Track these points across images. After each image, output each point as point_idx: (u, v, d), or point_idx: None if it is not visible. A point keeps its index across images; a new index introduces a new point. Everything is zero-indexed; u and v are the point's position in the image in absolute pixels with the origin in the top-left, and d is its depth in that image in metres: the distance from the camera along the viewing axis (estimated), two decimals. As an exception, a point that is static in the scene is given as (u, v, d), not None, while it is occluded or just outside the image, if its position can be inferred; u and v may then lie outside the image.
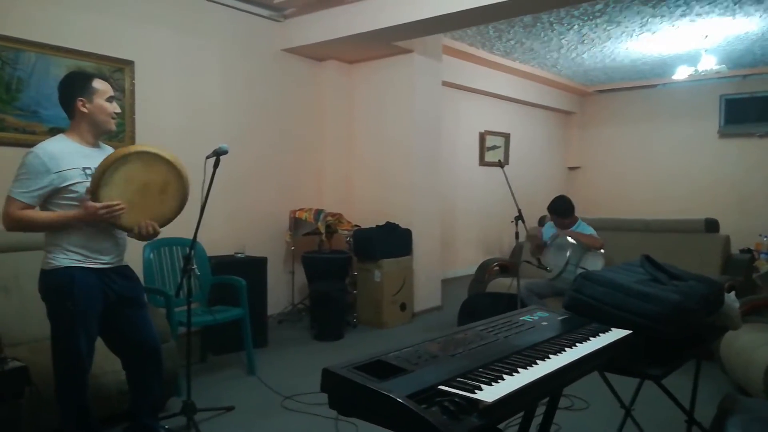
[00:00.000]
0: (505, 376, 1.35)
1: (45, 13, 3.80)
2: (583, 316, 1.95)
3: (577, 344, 1.67)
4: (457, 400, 1.20)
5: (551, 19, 5.88)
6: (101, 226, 2.37)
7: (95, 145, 2.47)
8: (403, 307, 5.32)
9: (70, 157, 2.33)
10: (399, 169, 5.65)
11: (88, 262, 2.35)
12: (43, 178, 2.26)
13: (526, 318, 1.90)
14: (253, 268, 4.50)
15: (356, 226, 5.56)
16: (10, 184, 2.30)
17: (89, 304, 2.34)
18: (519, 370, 1.40)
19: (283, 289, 5.46)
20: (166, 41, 4.51)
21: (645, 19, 5.87)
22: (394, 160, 5.68)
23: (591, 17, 5.78)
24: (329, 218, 5.39)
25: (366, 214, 5.74)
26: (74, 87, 2.41)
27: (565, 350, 1.60)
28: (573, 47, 6.99)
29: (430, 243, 5.79)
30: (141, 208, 2.38)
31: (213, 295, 4.05)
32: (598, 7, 5.45)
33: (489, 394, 1.24)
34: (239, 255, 4.60)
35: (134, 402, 2.65)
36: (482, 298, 4.70)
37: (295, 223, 5.38)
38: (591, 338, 1.75)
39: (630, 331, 1.82)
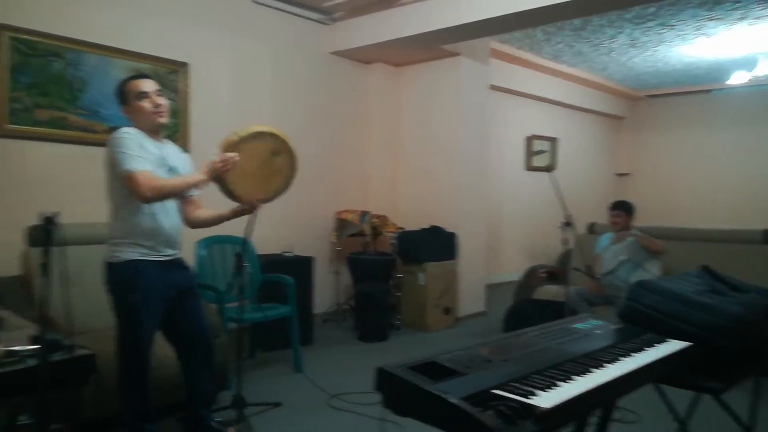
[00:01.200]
0: (559, 382, 1.35)
1: (106, 16, 3.97)
2: (638, 326, 1.92)
3: (632, 354, 1.65)
4: (512, 404, 1.21)
5: (602, 22, 5.77)
6: (166, 221, 2.47)
7: (158, 139, 2.55)
8: (447, 311, 5.31)
9: (149, 143, 2.44)
10: (445, 172, 5.64)
11: (151, 255, 2.44)
12: (142, 152, 2.36)
13: (579, 326, 1.88)
14: (300, 267, 4.58)
15: (401, 228, 5.58)
16: (120, 168, 2.32)
17: (153, 296, 2.43)
18: (574, 377, 1.40)
19: (327, 288, 5.53)
20: (219, 44, 4.64)
21: (700, 23, 5.70)
22: (439, 163, 5.68)
23: (643, 20, 5.65)
24: (374, 220, 5.44)
25: (411, 217, 5.75)
26: (116, 97, 2.56)
27: (620, 360, 1.58)
28: (624, 51, 6.84)
29: (475, 247, 5.76)
30: (254, 181, 2.57)
31: (261, 292, 4.14)
32: (651, 10, 5.32)
33: (545, 400, 1.24)
34: (287, 254, 4.69)
35: (188, 392, 2.73)
36: (529, 305, 4.65)
37: (341, 224, 5.45)
38: (647, 348, 1.72)
39: (689, 343, 1.78)
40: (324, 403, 3.36)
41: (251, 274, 3.62)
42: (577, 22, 5.71)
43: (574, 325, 1.88)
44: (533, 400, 1.23)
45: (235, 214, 2.67)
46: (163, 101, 2.52)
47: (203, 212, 2.73)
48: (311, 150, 5.34)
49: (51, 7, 3.71)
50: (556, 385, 1.33)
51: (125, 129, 2.41)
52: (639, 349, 1.70)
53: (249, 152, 2.50)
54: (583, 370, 1.44)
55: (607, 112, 9.36)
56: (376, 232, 5.45)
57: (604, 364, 1.51)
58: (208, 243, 3.96)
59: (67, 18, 3.78)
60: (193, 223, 2.73)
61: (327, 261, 5.55)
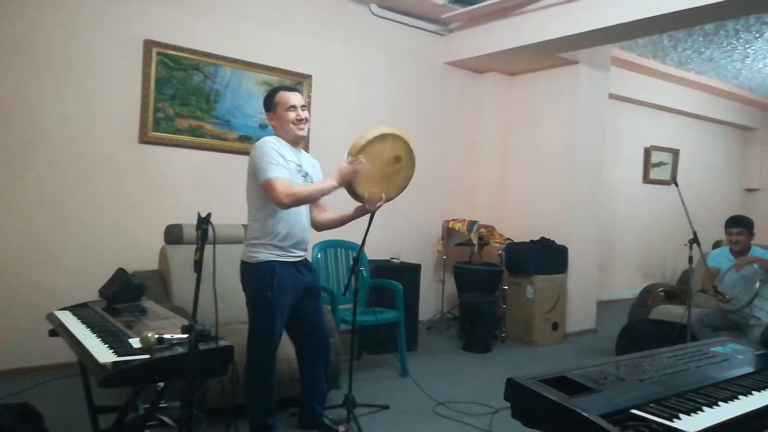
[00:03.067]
0: (704, 407, 1.28)
1: (240, 32, 4.27)
2: (786, 354, 1.77)
3: (782, 383, 1.53)
4: (654, 426, 1.17)
5: (737, 27, 5.37)
6: (298, 224, 2.63)
7: (299, 150, 2.73)
8: (555, 326, 5.16)
9: (288, 154, 2.59)
10: (556, 184, 5.49)
11: (284, 257, 2.60)
12: (282, 161, 2.53)
13: (718, 349, 1.77)
14: (407, 273, 4.63)
15: (509, 239, 5.49)
16: (261, 175, 2.51)
17: (285, 294, 2.58)
18: (720, 403, 1.32)
19: (432, 296, 5.55)
20: (340, 55, 4.85)
21: None
22: (551, 173, 5.53)
23: (787, 23, 5.20)
24: (482, 230, 5.39)
25: (519, 229, 5.65)
26: (265, 104, 2.73)
27: (769, 389, 1.47)
28: (761, 57, 6.31)
29: (587, 262, 5.55)
30: (377, 181, 2.64)
31: (369, 296, 4.23)
32: (797, 12, 4.88)
33: (690, 424, 1.19)
34: (395, 260, 4.77)
35: (304, 389, 2.86)
36: (645, 325, 4.39)
37: (448, 232, 5.45)
38: (798, 379, 1.58)
39: None
40: (430, 410, 3.38)
41: (363, 278, 3.72)
42: (708, 27, 5.35)
43: (713, 349, 1.77)
44: (677, 424, 1.18)
45: (358, 214, 2.74)
46: (306, 115, 2.69)
47: (329, 214, 2.85)
48: (422, 158, 5.30)
49: (192, 24, 4.06)
50: (701, 410, 1.26)
51: (268, 138, 2.59)
52: (789, 380, 1.57)
53: (373, 154, 2.57)
54: (729, 396, 1.36)
55: (737, 122, 8.66)
56: (483, 242, 5.41)
57: (753, 392, 1.42)
58: (324, 246, 4.12)
59: (206, 34, 4.12)
60: (321, 226, 2.85)
61: (432, 269, 5.58)
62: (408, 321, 4.26)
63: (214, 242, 1.80)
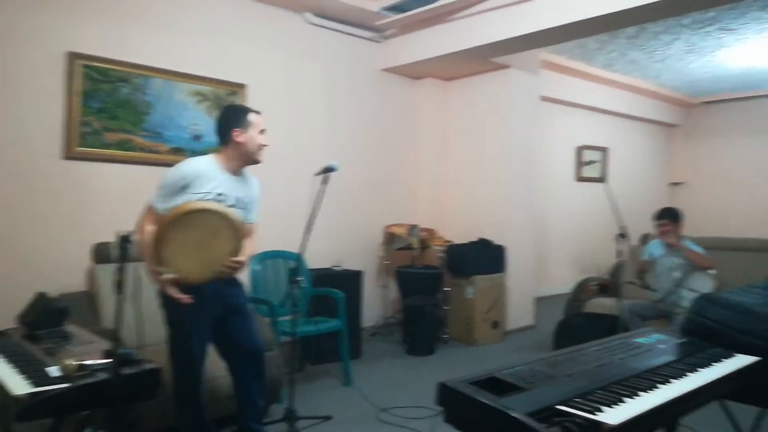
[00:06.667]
0: (626, 398, 1.32)
1: (170, 42, 4.14)
2: (704, 340, 1.86)
3: (699, 369, 1.60)
4: (578, 420, 1.19)
5: (657, 29, 5.64)
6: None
7: (237, 173, 2.65)
8: (495, 324, 5.25)
9: (211, 180, 2.51)
10: (493, 185, 5.60)
11: None
12: (178, 195, 2.45)
13: (642, 340, 1.84)
14: (350, 281, 4.60)
15: (449, 241, 5.56)
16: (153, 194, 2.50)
17: (202, 311, 2.50)
18: (640, 393, 1.37)
19: (376, 302, 5.55)
20: (275, 64, 4.78)
21: (762, 26, 5.50)
22: (488, 175, 5.65)
23: (701, 25, 5.49)
24: (422, 234, 5.44)
25: (459, 230, 5.73)
26: (232, 118, 2.63)
27: (687, 375, 1.54)
28: (679, 57, 6.66)
29: (524, 260, 5.68)
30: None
31: (311, 306, 4.18)
32: (710, 14, 5.17)
33: (612, 416, 1.22)
34: (336, 268, 4.74)
35: (239, 406, 2.78)
36: (580, 319, 4.54)
37: (389, 238, 5.47)
38: (714, 364, 1.67)
39: (757, 358, 1.72)
40: (374, 417, 3.36)
41: (303, 288, 3.67)
42: (631, 30, 5.60)
43: (636, 340, 1.84)
44: (600, 417, 1.21)
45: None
46: (267, 142, 2.68)
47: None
48: (361, 165, 5.41)
49: (119, 35, 3.91)
50: (622, 401, 1.30)
51: (196, 161, 2.54)
52: (706, 365, 1.65)
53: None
54: (649, 386, 1.41)
55: (661, 120, 9.11)
56: (424, 245, 5.45)
57: (671, 380, 1.48)
58: (263, 258, 4.05)
59: (135, 45, 3.97)
60: None
61: (375, 275, 5.58)
62: (351, 328, 4.23)
63: (135, 261, 1.72)
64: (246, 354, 2.71)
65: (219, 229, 2.43)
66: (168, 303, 2.50)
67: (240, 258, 2.51)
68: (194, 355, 2.52)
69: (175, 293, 2.37)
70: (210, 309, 2.55)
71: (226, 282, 2.63)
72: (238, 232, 2.48)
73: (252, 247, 2.69)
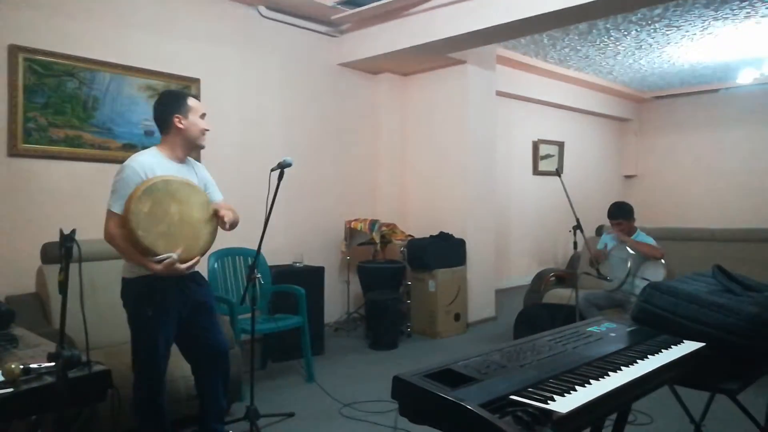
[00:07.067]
0: (577, 387, 1.35)
1: (119, 35, 4.02)
2: (653, 328, 1.91)
3: (648, 356, 1.65)
4: (530, 410, 1.21)
5: (607, 26, 5.78)
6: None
7: (183, 160, 2.60)
8: (457, 317, 5.31)
9: (162, 170, 2.45)
10: (452, 179, 5.65)
11: None
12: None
13: (594, 329, 1.88)
14: (311, 277, 4.59)
15: (410, 236, 5.59)
16: (109, 200, 2.40)
17: (168, 309, 2.45)
18: (591, 381, 1.40)
19: (338, 298, 5.53)
20: (230, 58, 4.69)
21: (707, 23, 5.69)
22: (447, 170, 5.70)
23: (649, 22, 5.65)
24: (384, 228, 5.44)
25: (420, 225, 5.76)
26: (171, 104, 2.55)
27: (636, 362, 1.58)
28: (630, 53, 6.84)
29: (484, 253, 5.76)
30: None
31: (272, 303, 4.15)
32: (657, 11, 5.32)
33: (562, 405, 1.24)
34: (297, 264, 4.70)
35: (202, 406, 2.74)
36: (539, 309, 4.63)
37: (351, 233, 5.46)
38: (663, 350, 1.72)
39: (703, 344, 1.78)
40: (336, 413, 3.36)
41: (263, 285, 3.63)
42: (582, 26, 5.72)
43: (589, 329, 1.88)
44: (551, 406, 1.23)
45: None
46: (209, 126, 2.63)
47: None
48: (320, 160, 5.37)
49: (64, 28, 3.77)
50: (573, 390, 1.33)
51: (141, 157, 2.46)
52: (655, 352, 1.69)
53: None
54: (600, 374, 1.44)
55: (614, 114, 9.35)
56: (386, 240, 5.46)
57: (621, 368, 1.51)
58: (221, 255, 3.98)
59: (81, 38, 3.84)
60: None
61: (337, 270, 5.56)
62: (313, 325, 4.21)
63: (80, 260, 1.67)
64: (212, 354, 2.67)
65: (182, 195, 2.42)
66: (132, 301, 2.45)
67: (223, 211, 2.50)
68: (158, 355, 2.46)
69: (184, 267, 2.40)
70: (176, 307, 2.50)
71: (192, 279, 2.59)
72: (198, 190, 2.51)
73: (233, 214, 2.63)
